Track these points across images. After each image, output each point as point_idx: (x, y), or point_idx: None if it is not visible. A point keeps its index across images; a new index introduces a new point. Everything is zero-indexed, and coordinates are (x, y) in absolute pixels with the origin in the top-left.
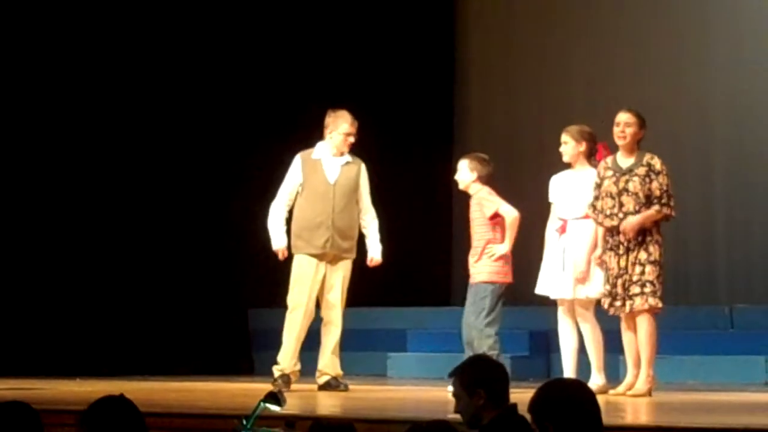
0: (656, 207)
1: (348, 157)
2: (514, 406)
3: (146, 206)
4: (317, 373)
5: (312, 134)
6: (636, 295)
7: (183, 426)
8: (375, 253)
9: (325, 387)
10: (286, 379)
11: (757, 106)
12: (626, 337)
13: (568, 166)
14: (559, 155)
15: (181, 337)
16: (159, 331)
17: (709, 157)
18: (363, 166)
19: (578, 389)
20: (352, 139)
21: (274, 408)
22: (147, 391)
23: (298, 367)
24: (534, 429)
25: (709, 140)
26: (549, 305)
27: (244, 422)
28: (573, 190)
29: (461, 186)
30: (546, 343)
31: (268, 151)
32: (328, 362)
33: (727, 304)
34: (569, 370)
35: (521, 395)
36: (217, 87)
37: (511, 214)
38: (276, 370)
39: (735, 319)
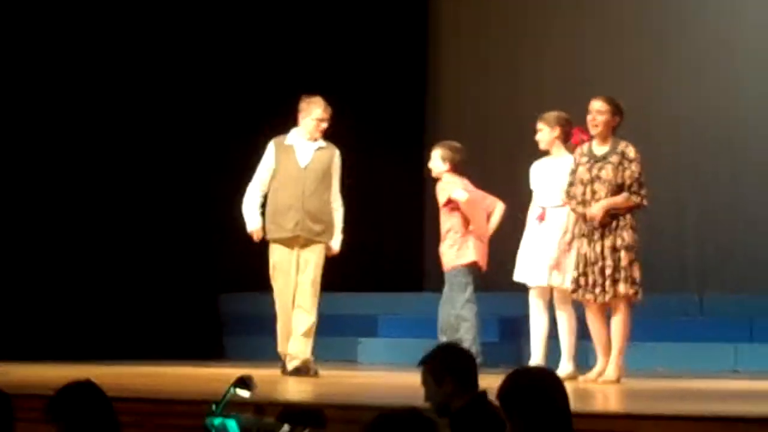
0: (625, 194)
1: (322, 143)
2: (484, 393)
3: (117, 192)
4: (287, 358)
5: (287, 122)
6: (615, 282)
7: (152, 411)
8: (334, 243)
9: (295, 372)
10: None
11: (727, 97)
12: (593, 324)
13: (545, 153)
14: (534, 142)
15: (151, 321)
16: (129, 315)
17: (681, 147)
18: (337, 153)
19: (546, 377)
20: (324, 125)
21: (243, 394)
22: (116, 376)
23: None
24: (503, 417)
25: (681, 130)
26: (520, 291)
27: (214, 408)
28: (550, 177)
29: (434, 174)
30: (516, 329)
31: (241, 137)
32: (298, 347)
33: (697, 291)
34: (537, 356)
35: (492, 381)
36: (196, 75)
37: (461, 197)
38: (281, 355)
39: (705, 307)
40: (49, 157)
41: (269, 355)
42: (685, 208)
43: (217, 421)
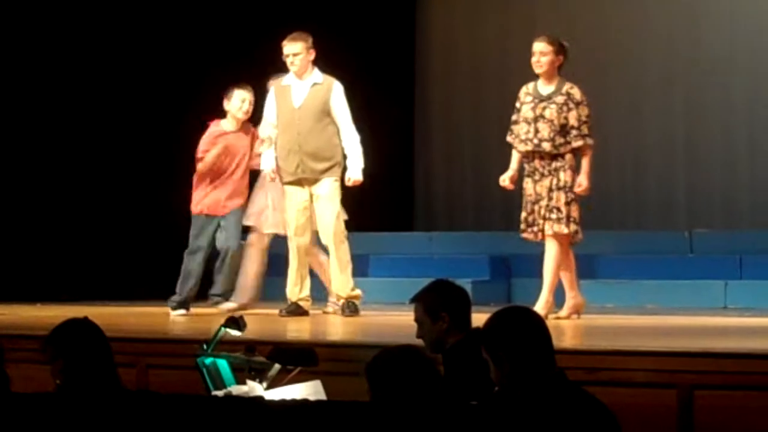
0: (579, 143)
1: (317, 78)
2: (478, 329)
3: (106, 131)
4: (334, 298)
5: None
6: (547, 221)
7: (144, 351)
8: (352, 173)
9: (341, 312)
10: (293, 307)
11: (717, 28)
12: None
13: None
14: (523, 73)
15: (142, 261)
16: (121, 255)
17: (671, 82)
18: (334, 86)
19: (529, 316)
20: (290, 60)
21: (234, 333)
22: (108, 316)
23: (305, 293)
24: (486, 357)
25: (671, 64)
26: (510, 230)
27: (205, 347)
28: None
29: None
30: (507, 267)
31: (214, 74)
32: (334, 286)
33: (686, 229)
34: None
35: (483, 319)
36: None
37: None
38: (288, 299)
39: (694, 244)
40: (35, 99)
41: (260, 295)
42: (674, 145)
43: (208, 360)
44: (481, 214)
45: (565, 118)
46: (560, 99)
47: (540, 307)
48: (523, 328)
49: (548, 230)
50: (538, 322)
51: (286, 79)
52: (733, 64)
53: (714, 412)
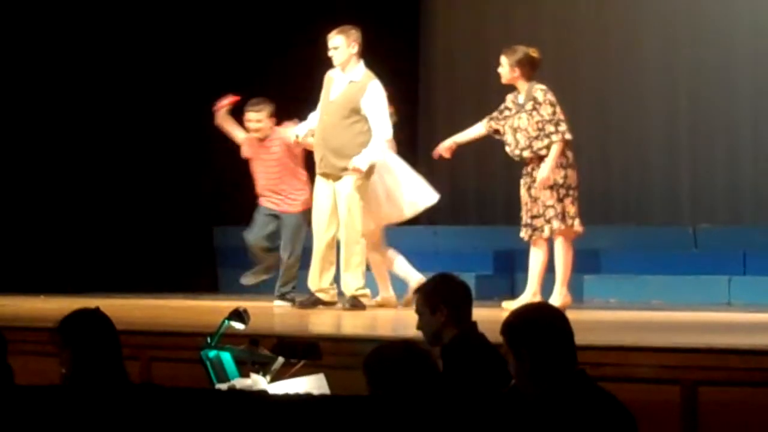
0: (547, 141)
1: (356, 76)
2: (474, 324)
3: (110, 124)
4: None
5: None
6: (548, 220)
7: (147, 344)
8: (356, 159)
9: (347, 309)
10: (312, 299)
11: (720, 26)
12: (532, 257)
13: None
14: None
15: (145, 254)
16: (124, 248)
17: (674, 77)
18: (369, 85)
19: (552, 312)
20: (330, 53)
21: (238, 326)
22: (111, 308)
23: (324, 284)
24: (506, 352)
25: (673, 59)
26: (513, 225)
27: (209, 340)
28: None
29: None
30: (510, 262)
31: (239, 69)
32: (342, 283)
33: (690, 224)
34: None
35: (486, 313)
36: (193, 11)
37: None
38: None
39: (699, 240)
40: (47, 94)
41: (263, 288)
42: (678, 141)
43: (212, 353)
44: (484, 208)
45: (537, 122)
46: (529, 106)
47: (556, 299)
48: (547, 325)
49: (547, 231)
50: (562, 319)
51: (334, 71)
52: (737, 58)
53: (718, 408)
